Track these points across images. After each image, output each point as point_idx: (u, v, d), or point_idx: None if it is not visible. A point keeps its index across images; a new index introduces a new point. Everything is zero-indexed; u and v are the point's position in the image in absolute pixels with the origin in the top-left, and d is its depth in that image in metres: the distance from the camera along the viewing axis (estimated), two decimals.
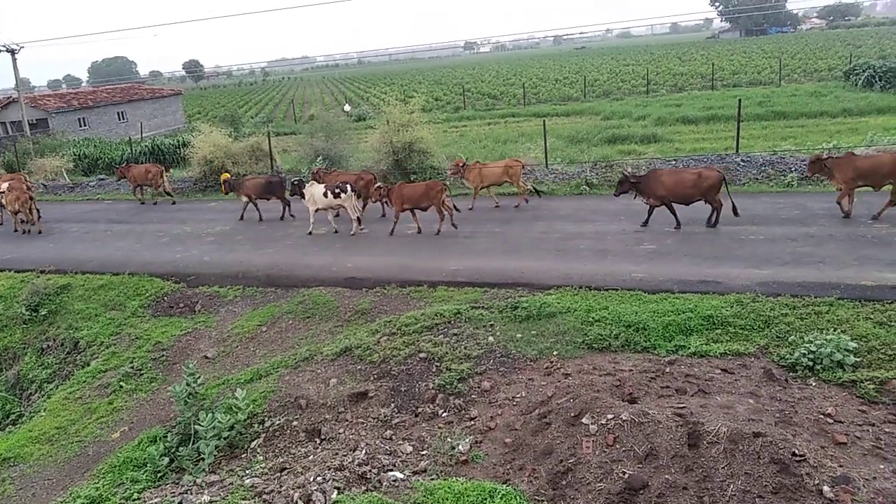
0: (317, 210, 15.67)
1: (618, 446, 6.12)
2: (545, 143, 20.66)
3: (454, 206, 15.38)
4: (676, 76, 55.24)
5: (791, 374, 7.83)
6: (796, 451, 5.67)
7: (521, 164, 16.66)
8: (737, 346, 8.52)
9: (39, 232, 18.58)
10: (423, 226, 15.14)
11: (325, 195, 15.24)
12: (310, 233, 15.88)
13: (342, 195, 15.10)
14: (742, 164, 17.62)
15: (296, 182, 16.19)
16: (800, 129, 26.30)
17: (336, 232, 15.80)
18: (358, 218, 15.62)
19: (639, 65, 73.71)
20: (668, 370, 7.87)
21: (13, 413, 11.63)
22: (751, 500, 5.36)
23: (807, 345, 7.99)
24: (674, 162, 18.80)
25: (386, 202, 15.63)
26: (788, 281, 10.25)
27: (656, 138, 26.77)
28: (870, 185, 13.12)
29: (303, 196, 15.80)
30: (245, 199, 17.84)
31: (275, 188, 17.49)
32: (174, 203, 21.51)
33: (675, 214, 13.65)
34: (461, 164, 16.91)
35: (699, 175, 13.18)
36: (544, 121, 23.06)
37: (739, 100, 21.32)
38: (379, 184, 15.44)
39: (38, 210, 18.92)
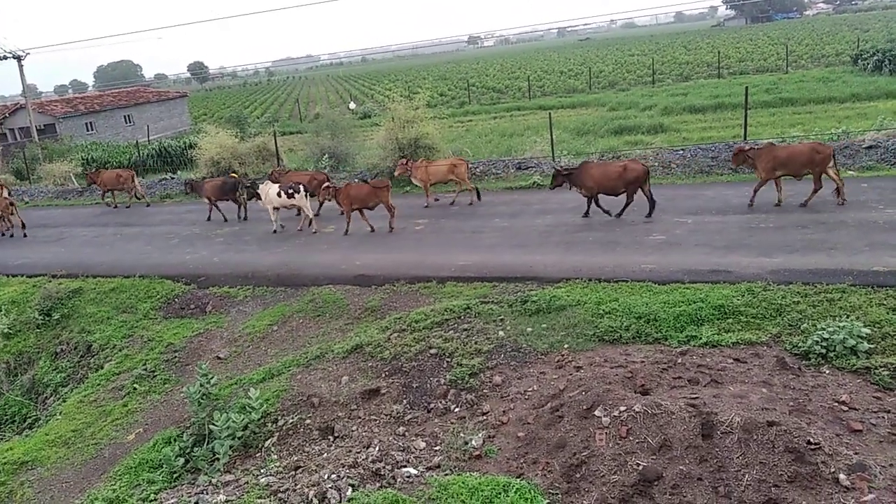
0: (275, 209, 16.20)
1: (631, 438, 6.11)
2: (551, 135, 20.59)
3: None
4: (682, 65, 54.93)
5: (804, 362, 7.78)
6: (811, 440, 5.64)
7: (465, 163, 17.15)
8: (749, 336, 8.47)
9: (24, 236, 19.24)
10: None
11: (280, 195, 15.76)
12: (274, 231, 16.40)
13: (296, 195, 15.63)
14: None
15: (249, 185, 17.17)
16: (808, 116, 26.10)
17: (283, 227, 16.47)
18: (310, 219, 16.14)
19: (644, 55, 73.31)
20: (680, 361, 7.84)
21: (29, 417, 11.75)
22: (766, 489, 5.33)
23: (820, 332, 7.93)
24: (680, 152, 18.70)
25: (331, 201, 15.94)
26: (800, 268, 10.18)
27: (663, 128, 26.63)
28: (790, 174, 13.43)
29: (259, 197, 16.43)
30: (206, 200, 18.47)
31: (230, 190, 18.05)
32: (148, 205, 21.96)
33: (599, 205, 14.29)
34: (407, 163, 17.37)
35: (624, 168, 13.77)
36: (550, 113, 22.96)
37: (746, 87, 21.15)
38: (327, 184, 15.78)
39: (20, 217, 19.50)
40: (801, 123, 23.79)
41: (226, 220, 18.24)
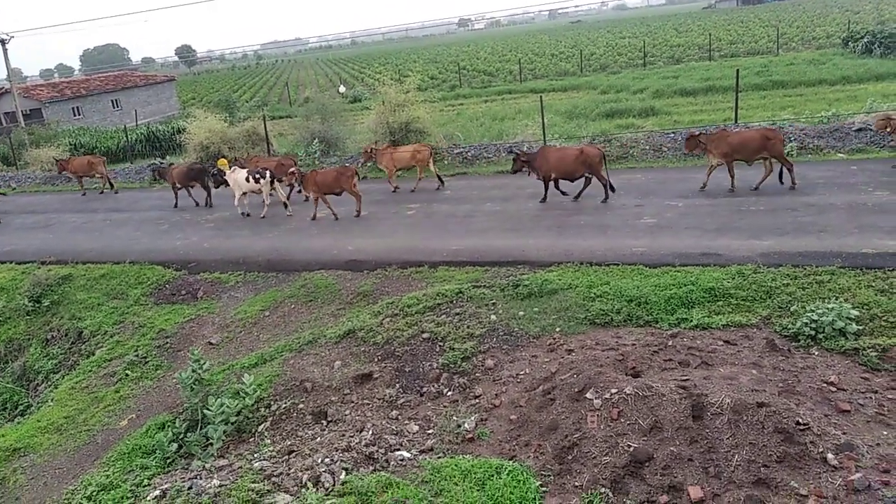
0: (243, 193, 16.40)
1: (622, 420, 6.16)
2: (542, 119, 20.52)
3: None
4: (673, 48, 54.77)
5: (794, 343, 7.86)
6: (800, 420, 5.71)
7: (429, 149, 17.35)
8: (739, 318, 8.54)
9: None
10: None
11: (247, 180, 15.96)
12: (245, 214, 16.69)
13: (262, 180, 15.85)
14: None
15: (216, 171, 17.10)
16: (798, 98, 26.12)
17: (248, 215, 16.68)
18: (284, 203, 16.53)
19: (635, 37, 73.02)
20: (670, 343, 7.90)
21: (21, 404, 11.69)
22: (755, 469, 5.40)
23: (809, 314, 8.00)
24: (671, 135, 18.70)
25: (298, 187, 16.34)
26: (790, 251, 10.25)
27: (654, 111, 26.60)
28: (742, 159, 13.65)
29: (226, 183, 16.58)
30: (173, 186, 18.63)
31: (196, 175, 18.21)
32: (116, 192, 22.00)
33: (558, 188, 14.64)
34: (371, 150, 17.54)
35: (581, 152, 14.04)
36: (541, 97, 22.86)
37: (737, 70, 21.12)
38: (292, 169, 15.91)
39: None
40: (792, 106, 23.81)
41: (197, 205, 18.43)
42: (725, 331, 8.31)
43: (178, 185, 18.50)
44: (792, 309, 8.49)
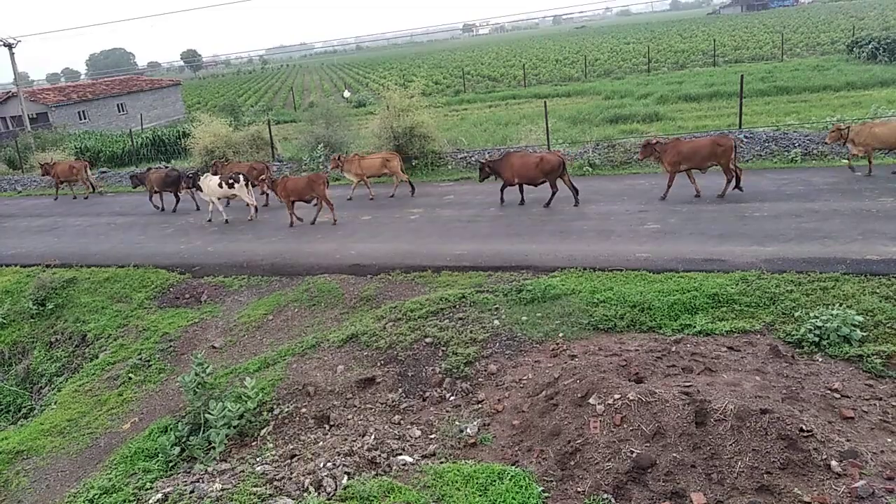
0: (218, 199, 16.65)
1: (625, 426, 6.14)
2: (546, 124, 20.54)
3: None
4: (678, 53, 54.78)
5: (797, 350, 7.83)
6: (804, 427, 5.68)
7: (397, 157, 17.64)
8: (743, 324, 8.52)
9: None
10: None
11: (220, 186, 16.19)
12: (225, 220, 16.89)
13: (235, 185, 16.06)
14: (745, 140, 17.50)
15: (191, 175, 17.94)
16: (803, 104, 26.07)
17: (227, 221, 16.88)
18: (255, 207, 16.80)
19: (639, 43, 73.09)
20: (674, 349, 7.87)
21: (24, 407, 11.73)
22: (759, 476, 5.38)
23: (813, 320, 7.98)
24: None
25: (267, 194, 16.93)
26: (794, 257, 10.22)
27: (658, 117, 26.59)
28: (694, 167, 13.91)
29: (200, 189, 16.85)
30: (150, 190, 19.04)
31: (172, 181, 18.54)
32: (102, 193, 22.65)
33: (521, 193, 15.26)
34: (339, 158, 17.80)
35: (541, 159, 14.56)
36: (545, 102, 22.92)
37: (742, 76, 21.14)
38: (264, 175, 16.42)
39: None
40: (796, 112, 23.77)
41: (162, 210, 18.98)
42: (729, 337, 8.29)
43: (156, 190, 18.90)
44: (796, 315, 8.46)
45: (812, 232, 11.25)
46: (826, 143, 15.66)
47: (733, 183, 13.65)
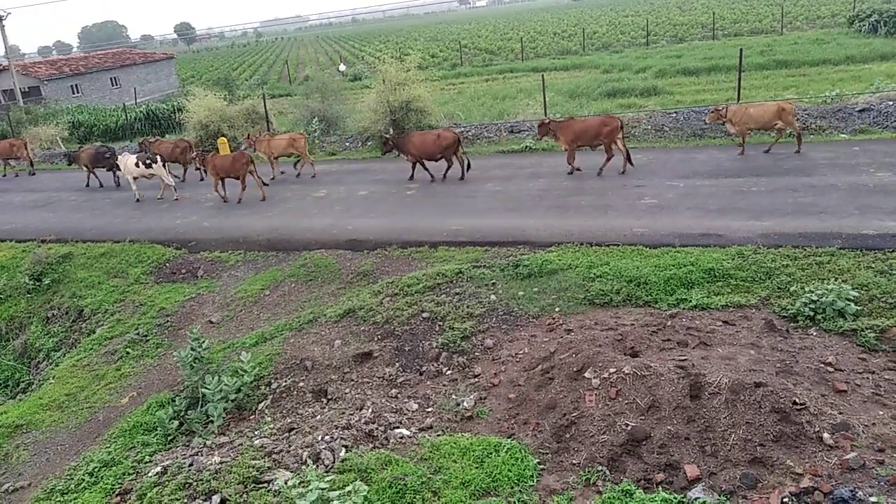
0: (135, 178, 17.01)
1: (620, 399, 6.19)
2: (544, 98, 20.40)
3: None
4: (677, 26, 54.24)
5: (792, 324, 7.88)
6: (797, 400, 5.74)
7: (304, 138, 18.08)
8: (738, 298, 8.55)
9: None
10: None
11: (137, 165, 16.61)
12: (137, 200, 17.24)
13: (153, 165, 16.53)
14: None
15: (108, 154, 18.52)
16: (802, 78, 25.92)
17: (139, 200, 17.29)
18: (175, 186, 17.19)
19: (638, 15, 72.29)
20: (669, 323, 7.92)
21: (22, 381, 11.77)
22: (752, 448, 5.44)
23: (808, 295, 8.01)
24: (673, 115, 18.59)
25: (202, 169, 17.29)
26: (790, 232, 10.23)
27: (657, 91, 26.43)
28: (585, 144, 14.77)
29: (118, 167, 17.43)
30: (84, 167, 19.48)
31: (102, 158, 18.94)
32: (33, 174, 23.00)
33: (427, 170, 16.00)
34: (250, 137, 18.29)
35: (438, 136, 15.56)
36: (543, 76, 22.69)
37: (741, 49, 20.98)
38: (194, 153, 17.32)
39: None
40: (795, 86, 23.63)
41: (102, 186, 19.36)
42: (724, 311, 8.33)
43: (89, 167, 19.31)
44: (791, 290, 8.49)
45: (808, 206, 11.25)
46: (706, 123, 16.54)
47: (622, 161, 14.49)
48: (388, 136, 16.90)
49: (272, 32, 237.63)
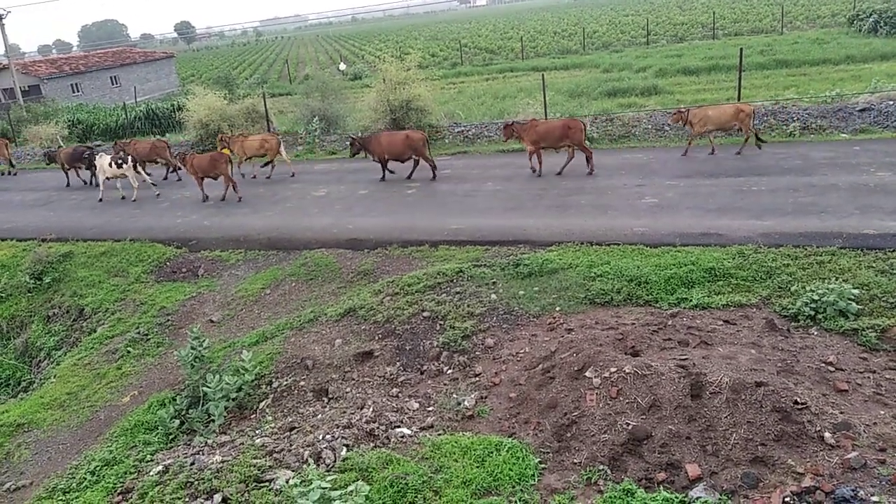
0: (106, 178, 17.40)
1: (621, 398, 6.20)
2: (544, 97, 20.39)
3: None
4: (677, 26, 54.22)
5: (793, 323, 7.88)
6: (798, 400, 5.74)
7: (276, 138, 18.21)
8: (739, 298, 8.55)
9: None
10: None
11: (111, 165, 16.99)
12: (99, 200, 17.67)
13: (124, 166, 16.93)
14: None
15: (87, 155, 18.97)
16: (802, 78, 25.91)
17: (123, 198, 17.65)
18: (134, 188, 17.40)
19: (638, 15, 72.25)
20: (670, 323, 7.92)
21: (23, 380, 11.77)
22: (753, 447, 5.45)
23: (809, 294, 8.01)
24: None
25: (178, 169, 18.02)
26: (791, 231, 10.24)
27: (657, 90, 26.43)
28: (549, 146, 15.13)
29: (92, 166, 17.92)
30: (62, 166, 19.94)
31: (80, 157, 19.35)
32: (14, 174, 23.27)
33: (385, 169, 16.37)
34: (223, 137, 18.84)
35: (406, 136, 15.81)
36: (543, 75, 22.68)
37: (741, 49, 20.97)
38: (178, 153, 17.73)
39: None
40: (796, 86, 23.62)
41: (85, 184, 19.74)
42: (725, 311, 8.33)
43: (67, 166, 19.73)
44: (792, 289, 8.50)
45: (809, 206, 11.25)
46: (669, 125, 17.05)
47: (585, 161, 14.86)
48: (354, 137, 17.08)
49: (272, 31, 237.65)
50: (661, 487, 5.32)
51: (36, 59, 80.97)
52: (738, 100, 19.00)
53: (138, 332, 10.83)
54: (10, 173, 23.34)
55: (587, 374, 6.65)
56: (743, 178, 13.13)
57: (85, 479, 7.20)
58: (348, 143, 17.24)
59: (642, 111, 20.07)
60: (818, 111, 16.96)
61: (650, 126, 17.95)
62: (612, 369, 6.51)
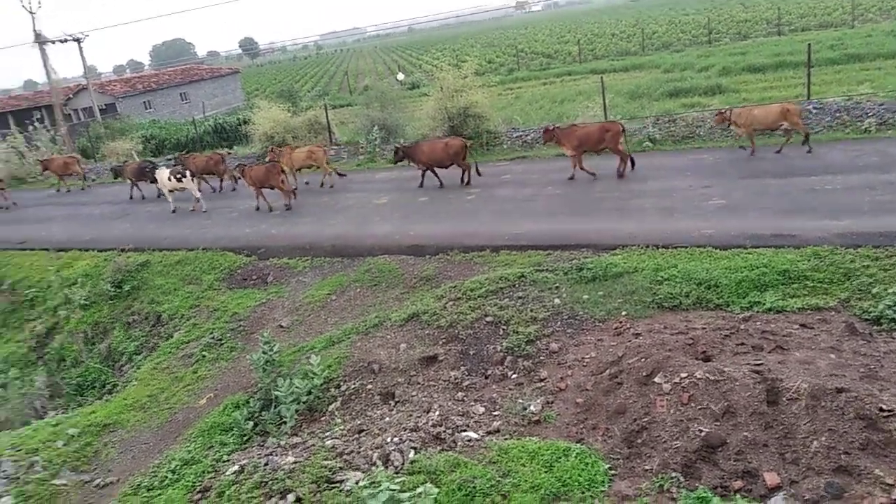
0: (170, 191, 18.34)
1: (693, 404, 6.07)
2: (604, 100, 20.14)
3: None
4: (740, 23, 52.60)
5: (875, 327, 7.53)
6: (884, 406, 5.49)
7: (322, 149, 18.79)
8: (816, 301, 8.23)
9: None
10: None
11: (170, 179, 17.93)
12: (173, 211, 18.46)
13: (183, 179, 17.78)
14: (815, 111, 16.74)
15: (148, 169, 20.02)
16: (877, 72, 24.68)
17: (174, 211, 18.51)
18: (198, 198, 18.19)
19: (699, 13, 70.46)
20: (742, 327, 7.70)
21: (108, 383, 12.43)
22: (836, 456, 5.24)
23: (892, 296, 7.64)
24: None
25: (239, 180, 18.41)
26: (869, 231, 9.79)
27: (721, 89, 25.68)
28: (589, 149, 15.15)
29: (155, 181, 18.75)
30: (129, 181, 21.22)
31: (144, 172, 20.42)
32: (87, 189, 24.65)
33: (424, 177, 16.84)
34: (272, 150, 19.36)
35: (446, 144, 16.15)
36: (602, 77, 22.42)
37: (809, 44, 20.18)
38: (237, 164, 18.23)
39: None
40: (870, 80, 22.50)
41: (144, 198, 20.84)
42: (801, 314, 8.04)
43: (133, 180, 20.89)
44: (873, 291, 8.12)
45: (888, 204, 10.73)
46: (713, 126, 16.81)
47: (629, 163, 14.77)
48: (398, 145, 17.57)
49: (332, 45, 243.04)
50: (738, 496, 5.18)
51: (111, 78, 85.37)
52: (808, 97, 18.31)
53: (212, 338, 11.26)
54: (83, 188, 24.66)
55: (656, 379, 6.54)
56: (815, 177, 12.63)
57: (166, 477, 7.54)
58: (393, 151, 17.75)
59: (706, 111, 19.55)
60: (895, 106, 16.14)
61: (716, 126, 17.47)
62: (683, 375, 6.38)
